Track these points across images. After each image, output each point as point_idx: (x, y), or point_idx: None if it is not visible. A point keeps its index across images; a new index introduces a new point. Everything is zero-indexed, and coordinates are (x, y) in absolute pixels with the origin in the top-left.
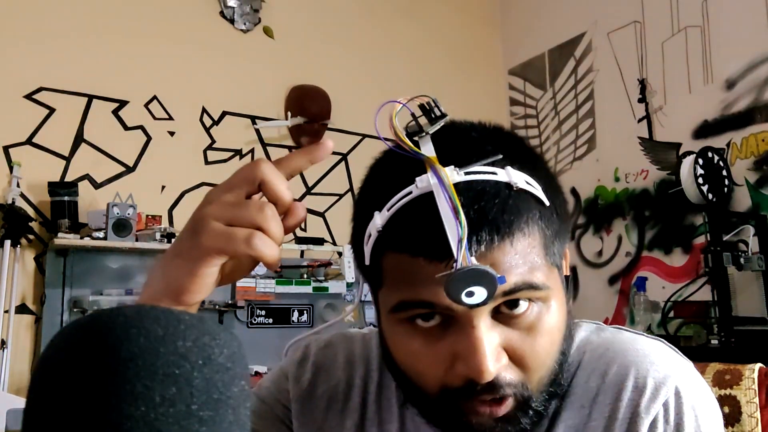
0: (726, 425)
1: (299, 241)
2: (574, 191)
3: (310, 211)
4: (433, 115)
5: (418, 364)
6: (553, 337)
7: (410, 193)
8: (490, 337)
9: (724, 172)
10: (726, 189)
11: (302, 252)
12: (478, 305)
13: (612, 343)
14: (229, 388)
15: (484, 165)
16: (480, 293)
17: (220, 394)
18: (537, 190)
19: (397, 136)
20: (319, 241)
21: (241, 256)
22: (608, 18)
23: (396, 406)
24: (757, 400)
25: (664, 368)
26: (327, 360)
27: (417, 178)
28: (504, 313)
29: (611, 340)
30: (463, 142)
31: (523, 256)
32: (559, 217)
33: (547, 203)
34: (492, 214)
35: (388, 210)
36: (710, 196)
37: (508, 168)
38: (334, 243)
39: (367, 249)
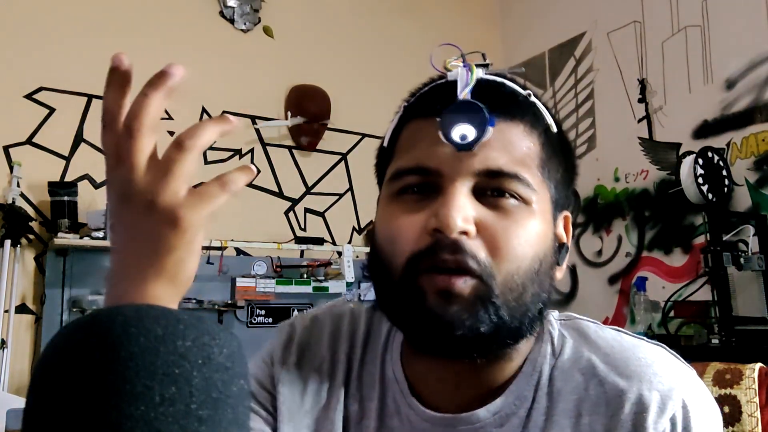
0: (726, 425)
1: (299, 241)
2: (573, 190)
3: (309, 211)
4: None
5: (396, 228)
6: (530, 240)
7: (434, 80)
8: (465, 201)
9: (724, 172)
10: (726, 189)
11: (302, 252)
12: (467, 145)
13: (613, 349)
14: (228, 388)
15: (510, 80)
16: (470, 135)
17: (220, 394)
18: (547, 116)
19: (443, 67)
20: (319, 241)
21: None
22: (608, 18)
23: (378, 382)
24: (757, 399)
25: (669, 379)
26: (312, 338)
27: (449, 73)
28: (488, 196)
29: (611, 344)
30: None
31: (517, 148)
32: (564, 156)
33: (554, 129)
34: (501, 96)
35: (417, 93)
36: (710, 196)
37: (529, 91)
38: (334, 243)
39: (389, 131)
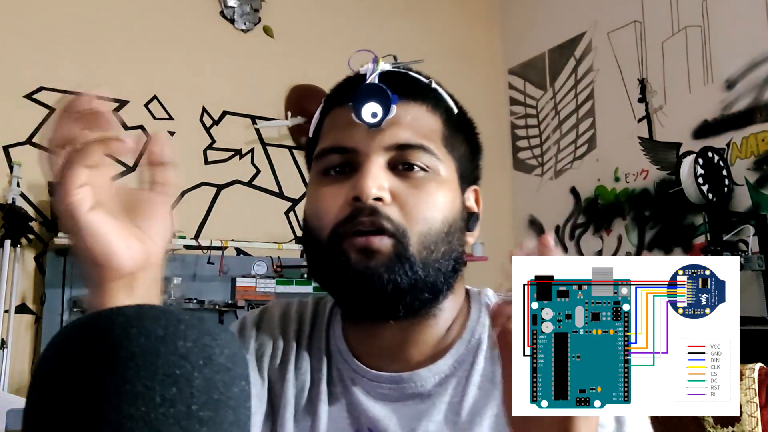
0: (726, 425)
1: (299, 241)
2: (574, 191)
3: None
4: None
5: (321, 203)
6: (438, 205)
7: (352, 76)
8: (379, 172)
9: (724, 172)
10: (726, 189)
11: (302, 252)
12: (376, 123)
13: None
14: (229, 389)
15: (415, 72)
16: (378, 113)
17: (221, 395)
18: (448, 99)
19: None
20: None
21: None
22: (608, 18)
23: (324, 354)
24: (757, 399)
25: None
26: (263, 323)
27: (361, 68)
28: (399, 170)
29: None
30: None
31: (422, 125)
32: (466, 134)
33: (455, 111)
34: (405, 82)
35: (335, 87)
36: (710, 196)
37: (431, 80)
38: None
39: (313, 123)
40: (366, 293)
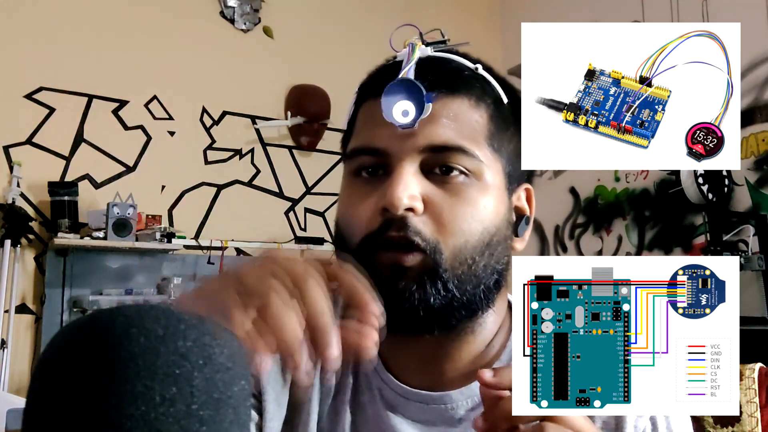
0: (726, 425)
1: (299, 241)
2: (573, 191)
3: (310, 210)
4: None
5: (352, 209)
6: (478, 215)
7: (388, 62)
8: (410, 178)
9: (724, 172)
10: (726, 189)
11: (302, 252)
12: (408, 124)
13: None
14: (229, 388)
15: (458, 55)
16: (410, 112)
17: (221, 394)
18: (498, 87)
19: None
20: (319, 241)
21: None
22: (608, 18)
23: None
24: (757, 399)
25: None
26: None
27: (398, 53)
28: (435, 174)
29: None
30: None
31: (463, 122)
32: (517, 127)
33: (505, 100)
34: (446, 71)
35: (371, 74)
36: (710, 196)
37: (479, 65)
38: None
39: (348, 112)
40: (396, 311)
